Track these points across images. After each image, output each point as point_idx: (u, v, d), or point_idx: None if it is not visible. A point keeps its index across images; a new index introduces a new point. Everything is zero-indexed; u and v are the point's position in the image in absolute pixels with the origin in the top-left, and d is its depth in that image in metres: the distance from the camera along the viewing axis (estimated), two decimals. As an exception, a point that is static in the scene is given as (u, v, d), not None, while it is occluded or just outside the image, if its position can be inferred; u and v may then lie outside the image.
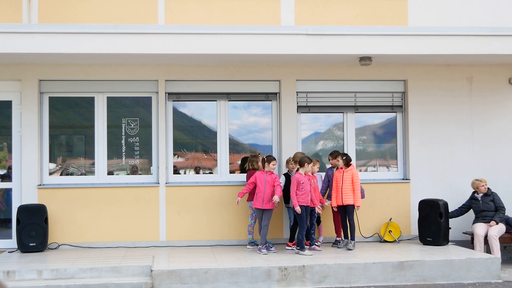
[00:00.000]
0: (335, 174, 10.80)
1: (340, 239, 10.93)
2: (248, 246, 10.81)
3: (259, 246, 10.17)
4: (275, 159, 10.41)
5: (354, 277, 9.10)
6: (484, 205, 10.84)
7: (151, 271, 8.78)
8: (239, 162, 11.85)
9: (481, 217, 10.81)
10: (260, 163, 10.73)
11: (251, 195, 10.59)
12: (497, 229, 10.53)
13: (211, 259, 9.57)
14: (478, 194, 10.98)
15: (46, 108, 11.27)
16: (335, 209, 10.83)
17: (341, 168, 10.72)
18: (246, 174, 11.12)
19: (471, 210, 11.06)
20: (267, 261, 9.30)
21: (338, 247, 10.69)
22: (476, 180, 11.07)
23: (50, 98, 11.31)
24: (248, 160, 10.95)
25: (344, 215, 10.61)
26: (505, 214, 10.93)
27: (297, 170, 10.27)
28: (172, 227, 11.18)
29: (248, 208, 11.05)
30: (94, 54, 10.10)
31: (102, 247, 10.98)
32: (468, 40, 10.50)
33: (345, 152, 11.60)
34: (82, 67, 11.11)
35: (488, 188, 10.98)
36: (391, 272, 9.15)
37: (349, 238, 10.57)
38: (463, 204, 11.12)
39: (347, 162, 10.69)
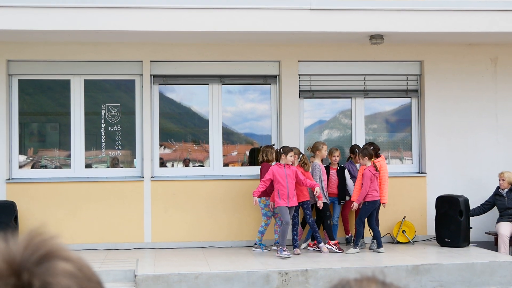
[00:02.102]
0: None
1: (350, 235, 11.13)
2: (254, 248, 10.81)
3: (279, 248, 10.09)
4: (292, 150, 10.33)
5: (364, 282, 9.12)
6: (509, 202, 10.87)
7: (135, 276, 8.80)
8: (235, 153, 11.88)
9: (506, 215, 10.85)
10: (271, 155, 10.73)
11: (262, 192, 10.60)
12: (523, 229, 10.59)
13: (203, 263, 9.59)
14: (502, 189, 11.02)
15: (16, 93, 11.25)
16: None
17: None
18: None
19: (495, 207, 11.09)
20: (265, 265, 9.32)
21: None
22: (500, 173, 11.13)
23: (19, 81, 11.30)
24: (261, 151, 10.91)
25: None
26: None
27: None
28: (158, 226, 11.20)
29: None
30: (69, 31, 10.06)
31: (80, 250, 10.95)
32: (493, 16, 10.49)
33: (354, 143, 11.62)
34: (56, 46, 11.09)
35: None
36: (405, 277, 9.18)
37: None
38: (486, 201, 11.16)
39: (375, 152, 10.72)
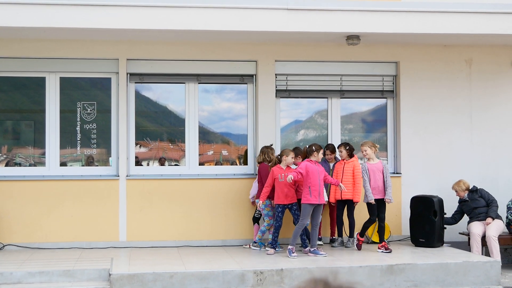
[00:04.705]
0: (336, 166, 10.95)
1: (335, 237, 11.19)
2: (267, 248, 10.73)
3: (289, 248, 9.93)
4: (322, 148, 10.35)
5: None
6: (474, 203, 10.98)
7: (110, 275, 8.72)
8: (210, 153, 11.84)
9: (475, 215, 10.93)
10: (272, 155, 10.76)
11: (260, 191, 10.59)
12: (495, 228, 10.63)
13: (178, 262, 9.55)
14: (462, 197, 11.14)
15: (-10, 90, 11.15)
16: (333, 204, 11.08)
17: (343, 159, 10.84)
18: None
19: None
20: (241, 264, 9.30)
21: (333, 246, 10.99)
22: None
23: (-6, 78, 11.20)
24: (262, 152, 10.85)
25: (341, 211, 10.81)
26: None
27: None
28: (134, 225, 11.14)
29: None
30: (45, 28, 9.97)
31: (54, 248, 10.89)
32: (467, 18, 10.56)
33: (330, 142, 11.63)
34: (31, 43, 10.98)
35: (474, 186, 11.11)
36: (380, 277, 9.20)
37: (348, 235, 10.94)
38: (455, 211, 11.25)
39: (351, 153, 10.82)
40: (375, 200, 10.52)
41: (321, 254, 9.95)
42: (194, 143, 11.56)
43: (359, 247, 10.56)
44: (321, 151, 10.22)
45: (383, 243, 10.48)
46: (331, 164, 11.19)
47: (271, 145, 11.00)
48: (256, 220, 10.99)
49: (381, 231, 10.64)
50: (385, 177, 10.62)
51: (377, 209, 10.57)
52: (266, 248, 10.44)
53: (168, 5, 10.02)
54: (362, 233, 10.62)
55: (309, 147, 10.20)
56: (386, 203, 10.65)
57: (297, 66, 11.71)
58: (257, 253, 10.43)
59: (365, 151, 10.64)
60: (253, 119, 11.66)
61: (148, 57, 11.31)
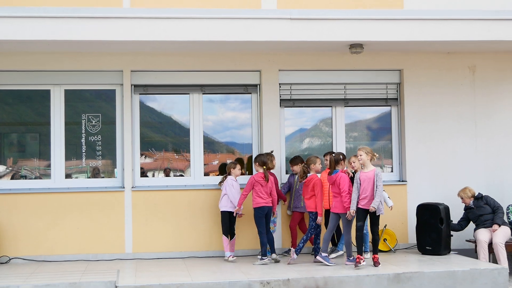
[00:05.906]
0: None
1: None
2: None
3: (351, 257, 10.00)
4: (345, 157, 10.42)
5: (345, 291, 9.11)
6: (479, 210, 10.94)
7: (116, 287, 8.71)
8: (215, 162, 11.82)
9: (481, 223, 10.89)
10: (272, 163, 10.82)
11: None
12: (502, 234, 10.59)
13: (184, 273, 9.52)
14: (468, 204, 11.09)
15: (-5, 103, 11.17)
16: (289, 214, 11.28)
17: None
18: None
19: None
20: (247, 275, 9.27)
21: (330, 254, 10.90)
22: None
23: (-1, 91, 11.20)
24: None
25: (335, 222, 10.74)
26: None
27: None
28: (139, 237, 11.10)
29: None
30: (49, 41, 9.98)
31: (60, 261, 10.87)
32: (470, 25, 10.56)
33: (334, 150, 11.61)
34: (36, 55, 10.99)
35: (479, 193, 11.06)
36: (387, 286, 9.16)
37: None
38: (461, 218, 11.21)
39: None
40: (367, 211, 9.80)
41: (330, 263, 9.95)
42: (199, 153, 11.54)
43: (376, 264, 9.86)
44: (346, 161, 10.32)
45: (375, 255, 9.90)
46: (296, 176, 11.13)
47: (272, 151, 10.99)
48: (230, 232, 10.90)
49: (375, 244, 9.93)
50: (374, 186, 9.76)
51: (370, 220, 9.93)
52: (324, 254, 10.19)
53: (171, 16, 10.04)
54: (360, 249, 9.99)
55: (336, 155, 10.20)
56: (376, 213, 9.77)
57: (301, 75, 11.70)
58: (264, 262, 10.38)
59: (360, 155, 9.90)
60: (257, 128, 11.64)
61: (152, 68, 11.31)
